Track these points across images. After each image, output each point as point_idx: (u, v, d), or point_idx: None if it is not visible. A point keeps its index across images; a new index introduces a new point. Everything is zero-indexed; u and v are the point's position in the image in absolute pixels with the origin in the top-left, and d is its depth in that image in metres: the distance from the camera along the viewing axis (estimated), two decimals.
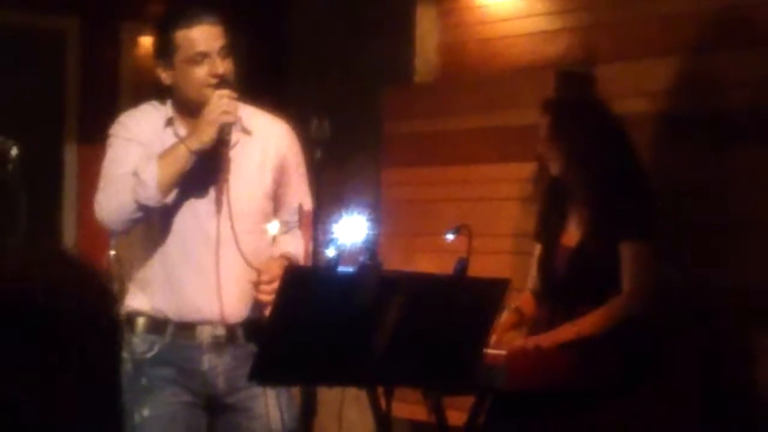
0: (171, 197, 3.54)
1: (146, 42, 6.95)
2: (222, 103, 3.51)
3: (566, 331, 4.11)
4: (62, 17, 6.67)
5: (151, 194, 3.49)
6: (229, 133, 3.54)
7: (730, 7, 4.87)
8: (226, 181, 3.59)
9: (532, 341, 4.10)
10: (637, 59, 5.15)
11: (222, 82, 3.55)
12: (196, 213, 3.58)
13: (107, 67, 6.81)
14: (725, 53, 4.85)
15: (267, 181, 3.67)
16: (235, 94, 3.55)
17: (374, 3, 6.56)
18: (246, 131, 3.66)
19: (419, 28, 6.26)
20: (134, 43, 6.93)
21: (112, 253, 5.40)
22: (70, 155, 6.68)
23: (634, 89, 5.02)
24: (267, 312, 3.52)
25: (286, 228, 3.72)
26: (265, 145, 3.68)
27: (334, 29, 6.83)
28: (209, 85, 3.55)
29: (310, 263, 3.40)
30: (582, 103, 4.45)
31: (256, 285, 3.52)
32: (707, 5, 4.93)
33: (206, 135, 3.51)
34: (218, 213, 3.58)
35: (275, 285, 3.44)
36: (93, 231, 3.99)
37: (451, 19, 6.14)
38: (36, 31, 6.65)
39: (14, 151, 3.40)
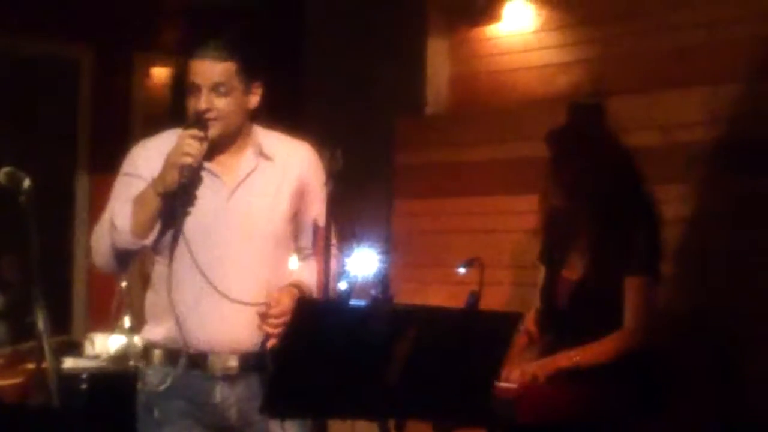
0: (152, 238, 3.53)
1: (159, 72, 6.99)
2: (185, 144, 3.47)
3: (563, 360, 4.10)
4: (75, 47, 6.71)
5: (124, 238, 3.50)
6: (187, 176, 3.48)
7: (743, 39, 4.88)
8: (181, 219, 3.53)
9: (529, 373, 4.08)
10: (649, 91, 5.16)
11: (198, 120, 3.51)
12: (203, 243, 3.57)
13: (120, 97, 6.84)
14: (738, 85, 4.86)
15: (284, 207, 3.66)
16: (201, 134, 3.49)
17: (386, 36, 6.59)
18: (267, 157, 3.65)
19: (431, 60, 6.28)
20: (146, 73, 6.97)
21: (123, 283, 5.42)
22: (82, 184, 6.71)
23: (646, 121, 5.03)
24: (270, 343, 3.50)
25: (303, 254, 3.72)
26: (285, 170, 3.67)
27: (346, 62, 6.86)
28: (190, 120, 3.55)
29: (324, 284, 3.38)
30: (583, 135, 4.43)
31: (264, 317, 3.51)
32: (719, 37, 4.94)
33: (170, 178, 3.47)
34: (222, 242, 3.57)
35: (283, 319, 3.44)
36: None
37: (463, 51, 6.16)
38: (49, 60, 6.69)
39: (27, 182, 3.40)
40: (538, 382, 4.04)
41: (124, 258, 3.59)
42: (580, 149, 4.26)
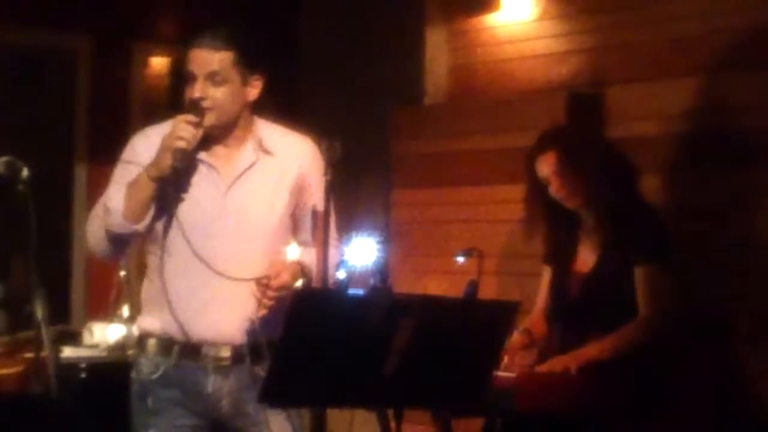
0: (144, 223, 3.53)
1: (157, 62, 6.98)
2: (179, 128, 3.48)
3: (592, 350, 4.10)
4: (74, 37, 6.70)
5: (116, 221, 3.51)
6: (180, 160, 3.48)
7: (741, 29, 4.88)
8: (175, 208, 3.55)
9: (560, 364, 4.07)
10: (647, 81, 5.16)
11: (193, 107, 3.52)
12: (199, 235, 3.57)
13: (118, 87, 6.83)
14: (735, 75, 4.86)
15: (282, 202, 3.65)
16: (195, 119, 3.50)
17: (384, 25, 6.58)
18: (267, 151, 3.64)
19: (429, 50, 6.28)
20: (145, 63, 6.96)
21: (122, 273, 5.42)
22: (80, 175, 6.70)
23: (644, 111, 5.03)
24: (260, 313, 3.50)
25: (304, 248, 3.71)
26: (285, 164, 3.66)
27: (344, 51, 6.85)
28: (186, 107, 3.55)
29: (322, 273, 3.38)
30: (588, 133, 4.45)
31: (263, 288, 3.50)
32: (718, 27, 4.94)
33: (163, 162, 3.47)
34: (218, 235, 3.57)
35: (281, 293, 3.46)
36: None
37: (461, 40, 6.16)
38: (47, 50, 6.68)
39: (25, 172, 3.40)
40: (570, 374, 4.03)
41: (117, 243, 3.59)
42: (583, 148, 4.28)
